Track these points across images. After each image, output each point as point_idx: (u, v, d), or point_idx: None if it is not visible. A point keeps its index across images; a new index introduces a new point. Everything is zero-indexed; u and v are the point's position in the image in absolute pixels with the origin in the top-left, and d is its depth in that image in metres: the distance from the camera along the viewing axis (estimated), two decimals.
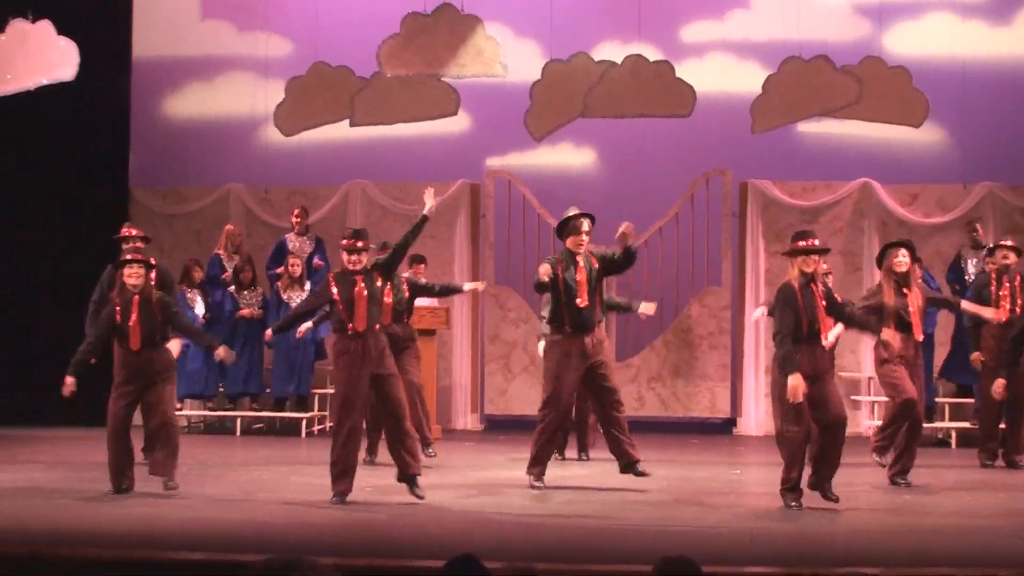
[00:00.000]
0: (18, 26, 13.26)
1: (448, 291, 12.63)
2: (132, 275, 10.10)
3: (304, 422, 14.84)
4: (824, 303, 9.73)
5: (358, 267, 9.74)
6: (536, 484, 10.53)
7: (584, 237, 10.58)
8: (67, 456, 12.76)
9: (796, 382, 9.35)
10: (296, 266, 14.73)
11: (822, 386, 9.71)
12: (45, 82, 13.27)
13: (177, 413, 10.88)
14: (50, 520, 8.94)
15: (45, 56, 13.21)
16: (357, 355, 9.61)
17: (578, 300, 10.43)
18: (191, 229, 16.02)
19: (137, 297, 10.10)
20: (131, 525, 8.82)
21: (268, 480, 11.08)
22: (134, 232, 12.02)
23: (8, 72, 13.30)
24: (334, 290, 9.67)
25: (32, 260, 15.75)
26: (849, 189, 15.51)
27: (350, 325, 9.61)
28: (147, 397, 10.17)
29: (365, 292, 9.63)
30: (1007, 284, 12.24)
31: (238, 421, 14.93)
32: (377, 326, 9.72)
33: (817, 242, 9.86)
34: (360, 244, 9.73)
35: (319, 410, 15.27)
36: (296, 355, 14.79)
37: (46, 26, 13.19)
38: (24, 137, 15.42)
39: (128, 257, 10.36)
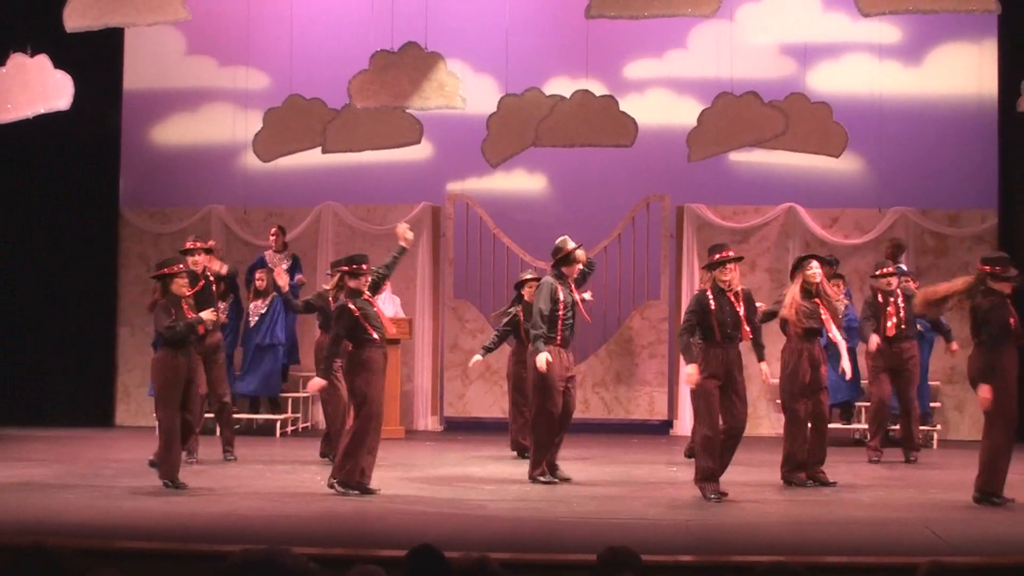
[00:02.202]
0: (18, 59, 13.16)
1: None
2: (180, 287, 10.38)
3: (279, 423, 14.79)
4: (743, 310, 9.84)
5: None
6: (546, 479, 10.65)
7: (579, 267, 10.81)
8: (63, 455, 12.64)
9: (691, 371, 9.71)
10: (261, 280, 14.65)
11: (734, 391, 9.80)
12: (43, 111, 13.17)
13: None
14: (44, 512, 8.86)
15: (43, 87, 13.11)
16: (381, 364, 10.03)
17: (578, 319, 10.71)
18: (176, 247, 15.88)
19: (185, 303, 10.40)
20: (119, 517, 8.75)
21: (246, 476, 11.02)
22: (199, 244, 12.34)
23: (8, 102, 13.20)
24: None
25: (33, 272, 15.66)
26: (776, 212, 15.57)
27: (376, 336, 9.93)
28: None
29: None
30: (892, 303, 12.43)
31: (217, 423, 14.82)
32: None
33: (731, 253, 10.00)
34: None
35: (292, 412, 15.21)
36: (266, 360, 14.74)
37: (44, 60, 13.10)
38: (23, 161, 15.35)
39: (175, 270, 10.54)
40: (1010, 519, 9.11)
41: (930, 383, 14.33)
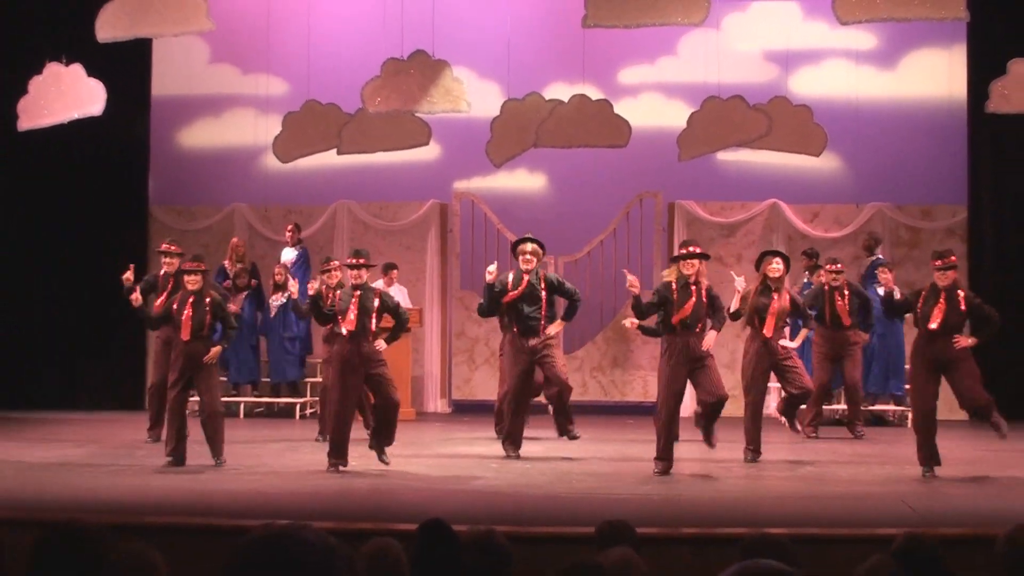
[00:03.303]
0: (53, 68, 13.14)
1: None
2: (192, 282, 10.34)
3: (298, 406, 14.80)
4: (705, 302, 9.85)
5: (359, 282, 10.08)
6: (511, 454, 10.84)
7: (529, 257, 10.78)
8: (96, 436, 12.64)
9: (631, 319, 10.46)
10: (280, 275, 14.64)
11: (701, 370, 9.83)
12: (77, 116, 13.15)
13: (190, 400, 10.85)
14: (78, 490, 8.86)
15: (77, 94, 13.09)
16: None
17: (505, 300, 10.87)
18: (201, 243, 15.90)
19: (192, 297, 10.31)
20: (149, 495, 8.75)
21: (267, 455, 11.02)
22: (174, 248, 12.14)
23: (45, 108, 13.18)
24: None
25: (68, 265, 15.64)
26: (760, 208, 15.55)
27: (343, 331, 9.99)
28: (198, 387, 10.37)
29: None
30: (835, 296, 12.55)
31: (241, 406, 14.86)
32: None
33: (697, 249, 10.02)
34: (363, 260, 10.11)
35: (311, 396, 15.22)
36: (289, 348, 14.79)
37: (78, 68, 13.07)
38: (60, 163, 15.31)
39: (189, 267, 10.56)
40: (980, 493, 9.12)
41: (907, 366, 14.30)
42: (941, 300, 9.71)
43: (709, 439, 10.25)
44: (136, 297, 10.53)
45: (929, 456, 9.76)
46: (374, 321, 10.02)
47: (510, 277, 10.92)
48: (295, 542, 2.59)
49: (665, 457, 9.89)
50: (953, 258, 9.96)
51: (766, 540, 4.28)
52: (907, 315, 11.41)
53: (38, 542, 3.65)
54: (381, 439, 10.07)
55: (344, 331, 9.95)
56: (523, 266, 10.90)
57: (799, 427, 11.61)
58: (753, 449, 10.71)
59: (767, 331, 10.70)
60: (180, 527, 7.42)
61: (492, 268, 10.87)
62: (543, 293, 10.87)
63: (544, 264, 11.40)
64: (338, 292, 10.56)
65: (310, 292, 10.46)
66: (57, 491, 8.82)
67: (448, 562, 4.45)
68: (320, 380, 15.22)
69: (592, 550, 4.88)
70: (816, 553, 6.58)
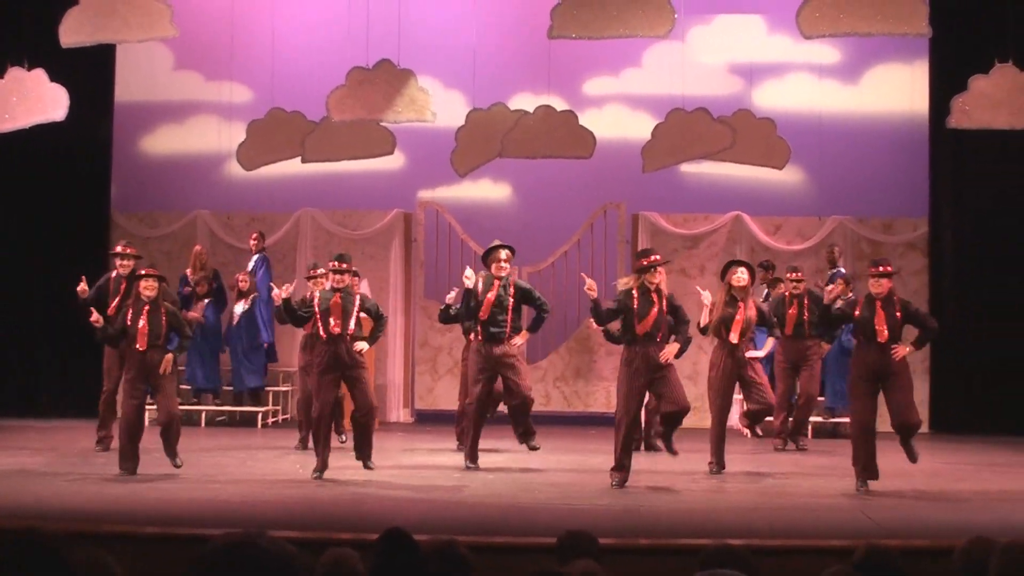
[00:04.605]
0: (15, 73, 13.03)
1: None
2: (148, 288, 10.22)
3: (260, 415, 14.74)
4: (666, 311, 9.79)
5: (341, 285, 10.24)
6: (471, 466, 10.84)
7: (504, 264, 10.76)
8: (55, 443, 12.55)
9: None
10: (244, 282, 14.61)
11: (662, 381, 9.77)
12: (39, 121, 13.04)
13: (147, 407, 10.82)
14: (37, 498, 8.79)
15: (39, 99, 12.98)
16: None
17: (481, 314, 10.64)
18: (163, 250, 15.85)
19: (147, 306, 10.18)
20: (108, 503, 8.70)
21: (228, 464, 10.97)
22: (130, 251, 12.06)
23: (7, 112, 13.07)
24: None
25: (29, 271, 15.54)
26: (724, 220, 15.61)
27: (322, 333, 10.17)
28: (155, 395, 10.35)
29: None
30: (795, 304, 12.62)
31: (203, 414, 14.79)
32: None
33: (658, 257, 9.97)
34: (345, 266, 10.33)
35: (272, 404, 15.16)
36: (252, 356, 14.74)
37: (40, 73, 12.97)
38: (22, 168, 15.21)
39: (145, 272, 10.47)
40: (938, 506, 9.18)
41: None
42: (879, 309, 9.69)
43: (670, 447, 10.24)
44: (97, 318, 10.37)
45: (864, 469, 9.73)
46: (353, 323, 10.20)
47: (480, 284, 10.89)
48: (252, 551, 2.58)
49: (621, 468, 9.85)
50: (889, 267, 9.92)
51: (726, 551, 4.29)
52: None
53: None
54: (364, 448, 10.32)
55: (324, 334, 10.04)
56: (497, 273, 10.87)
57: (759, 432, 11.66)
58: (717, 463, 10.74)
59: (733, 339, 10.74)
60: (139, 536, 7.37)
61: (469, 274, 10.86)
62: (511, 300, 10.84)
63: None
64: (316, 296, 10.55)
65: (282, 296, 10.36)
66: (15, 499, 8.75)
67: (409, 572, 4.44)
68: (285, 388, 15.24)
69: (553, 560, 4.88)
70: (776, 564, 6.60)
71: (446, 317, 11.55)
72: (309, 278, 11.99)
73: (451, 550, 4.55)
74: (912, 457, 9.81)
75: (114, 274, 12.05)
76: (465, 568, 4.52)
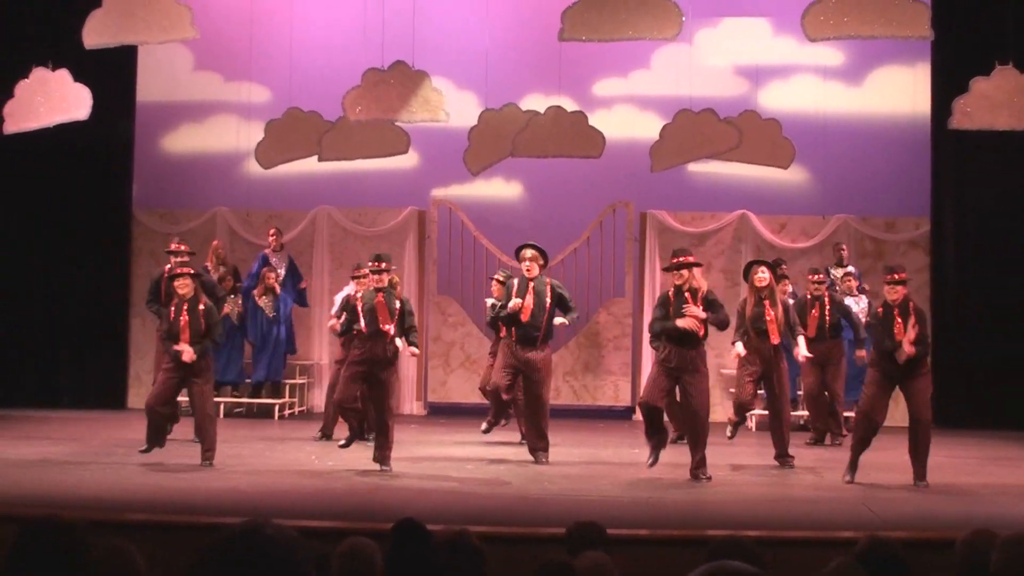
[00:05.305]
0: (40, 73, 13.04)
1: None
2: (182, 286, 10.30)
3: (277, 407, 14.74)
4: (701, 307, 9.76)
5: (381, 285, 10.29)
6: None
7: (529, 264, 10.70)
8: (76, 434, 12.57)
9: (684, 323, 9.62)
10: (271, 279, 14.66)
11: (689, 383, 9.72)
12: (63, 121, 13.06)
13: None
14: (59, 487, 8.80)
15: (63, 99, 12.99)
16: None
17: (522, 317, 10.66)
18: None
19: (187, 304, 10.24)
20: (128, 492, 8.71)
21: (247, 455, 10.97)
22: (184, 247, 12.10)
23: (31, 112, 13.08)
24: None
25: (53, 267, 15.57)
26: (730, 219, 15.59)
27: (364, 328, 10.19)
28: (191, 392, 10.36)
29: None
30: (817, 306, 12.56)
31: (221, 406, 14.77)
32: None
33: (689, 259, 9.92)
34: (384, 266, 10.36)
35: (289, 396, 15.17)
36: (271, 348, 14.75)
37: (64, 74, 12.98)
38: (46, 166, 15.22)
39: (178, 271, 10.54)
40: (939, 499, 9.15)
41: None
42: (897, 317, 9.65)
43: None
44: (182, 348, 10.18)
45: (852, 463, 9.75)
46: (394, 323, 10.20)
47: (515, 285, 10.79)
48: (256, 539, 2.56)
49: (648, 444, 9.92)
50: (904, 274, 9.89)
51: (734, 542, 4.28)
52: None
53: (19, 537, 3.62)
54: (383, 448, 10.15)
55: (365, 329, 10.08)
56: (526, 274, 10.81)
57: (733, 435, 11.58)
58: (782, 454, 10.81)
59: (773, 338, 10.76)
60: (160, 524, 7.38)
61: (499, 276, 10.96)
62: (548, 300, 10.74)
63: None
64: (359, 296, 10.54)
65: (337, 328, 10.64)
66: (37, 487, 8.76)
67: (422, 562, 4.43)
68: (301, 381, 15.24)
69: (563, 551, 4.87)
70: (781, 555, 6.59)
71: (495, 318, 11.30)
72: (354, 277, 11.99)
73: (463, 540, 4.55)
74: (919, 476, 9.66)
75: (167, 270, 12.07)
76: (477, 558, 4.52)
